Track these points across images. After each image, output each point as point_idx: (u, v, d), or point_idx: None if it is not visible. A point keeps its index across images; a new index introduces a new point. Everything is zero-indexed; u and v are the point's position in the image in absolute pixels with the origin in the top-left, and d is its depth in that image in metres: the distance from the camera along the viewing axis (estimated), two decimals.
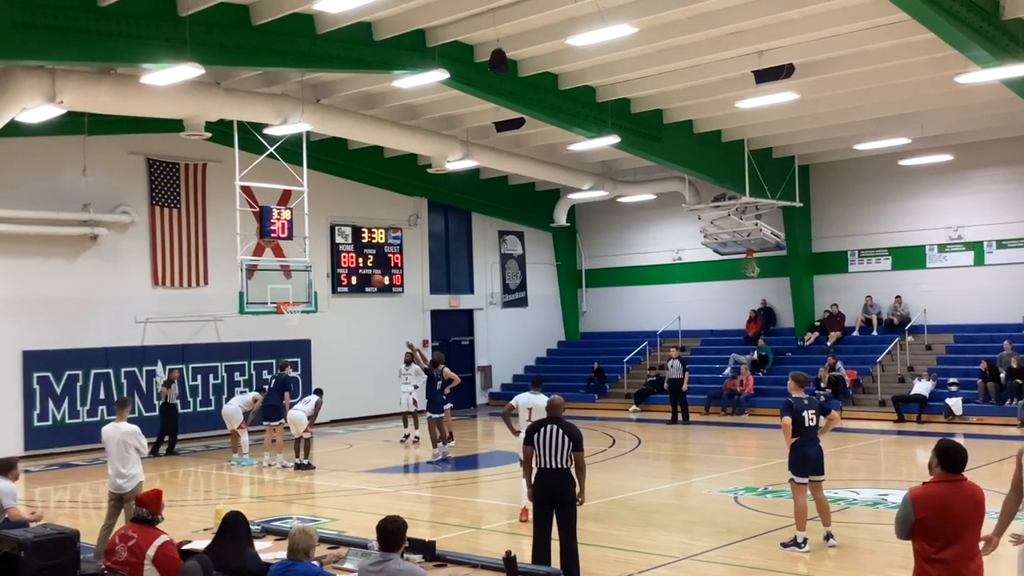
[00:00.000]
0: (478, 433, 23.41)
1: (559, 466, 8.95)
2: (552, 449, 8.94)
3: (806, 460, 10.42)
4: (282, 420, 17.55)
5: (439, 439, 17.65)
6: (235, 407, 18.17)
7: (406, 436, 20.05)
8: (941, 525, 5.45)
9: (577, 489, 9.09)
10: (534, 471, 9.19)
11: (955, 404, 21.00)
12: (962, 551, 5.46)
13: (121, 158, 20.84)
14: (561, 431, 8.99)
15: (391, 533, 6.24)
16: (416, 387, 19.51)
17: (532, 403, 12.06)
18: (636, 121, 20.35)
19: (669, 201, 26.72)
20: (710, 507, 13.09)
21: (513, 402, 12.46)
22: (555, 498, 9.01)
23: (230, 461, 18.08)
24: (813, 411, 10.53)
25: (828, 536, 10.47)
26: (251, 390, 19.88)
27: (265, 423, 17.94)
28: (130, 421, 10.82)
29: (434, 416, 17.59)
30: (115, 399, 18.99)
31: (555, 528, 9.14)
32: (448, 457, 17.67)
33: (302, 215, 19.09)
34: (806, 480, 10.45)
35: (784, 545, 10.43)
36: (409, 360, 19.73)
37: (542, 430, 9.05)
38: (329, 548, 9.13)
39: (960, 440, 19.69)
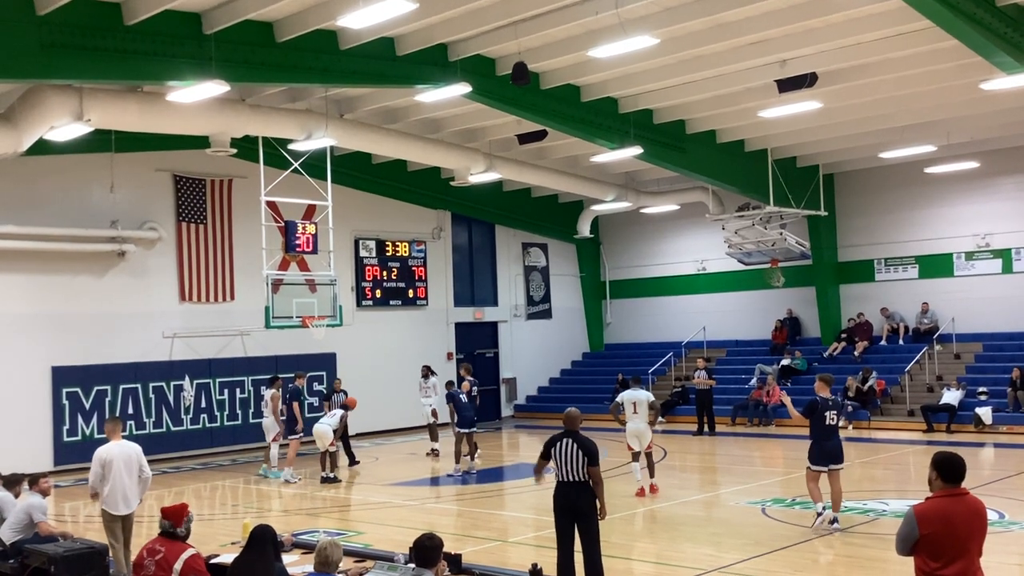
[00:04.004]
0: (503, 445, 23.37)
1: (576, 479, 8.92)
2: (568, 463, 8.93)
3: (824, 453, 11.57)
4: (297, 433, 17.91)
5: (465, 453, 17.83)
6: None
7: (433, 450, 20.11)
8: (946, 541, 5.35)
9: (598, 504, 9.05)
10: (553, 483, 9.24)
11: (985, 413, 20.77)
12: (966, 566, 5.35)
13: (148, 175, 21.04)
14: (576, 445, 8.94)
15: (427, 550, 6.31)
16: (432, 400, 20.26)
17: (635, 398, 14.49)
18: (659, 132, 20.34)
19: (693, 211, 26.63)
20: (738, 519, 12.99)
21: (619, 399, 14.70)
22: (574, 511, 8.98)
23: (259, 472, 18.30)
24: (835, 412, 11.66)
25: (834, 520, 11.50)
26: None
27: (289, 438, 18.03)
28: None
29: (462, 431, 17.78)
30: (142, 415, 19.19)
31: (579, 542, 9.10)
32: (472, 472, 17.78)
33: (327, 229, 19.21)
34: (824, 468, 11.60)
35: (815, 520, 11.62)
36: (426, 374, 20.28)
37: (558, 444, 9.04)
38: (355, 562, 9.17)
39: (990, 450, 19.46)
